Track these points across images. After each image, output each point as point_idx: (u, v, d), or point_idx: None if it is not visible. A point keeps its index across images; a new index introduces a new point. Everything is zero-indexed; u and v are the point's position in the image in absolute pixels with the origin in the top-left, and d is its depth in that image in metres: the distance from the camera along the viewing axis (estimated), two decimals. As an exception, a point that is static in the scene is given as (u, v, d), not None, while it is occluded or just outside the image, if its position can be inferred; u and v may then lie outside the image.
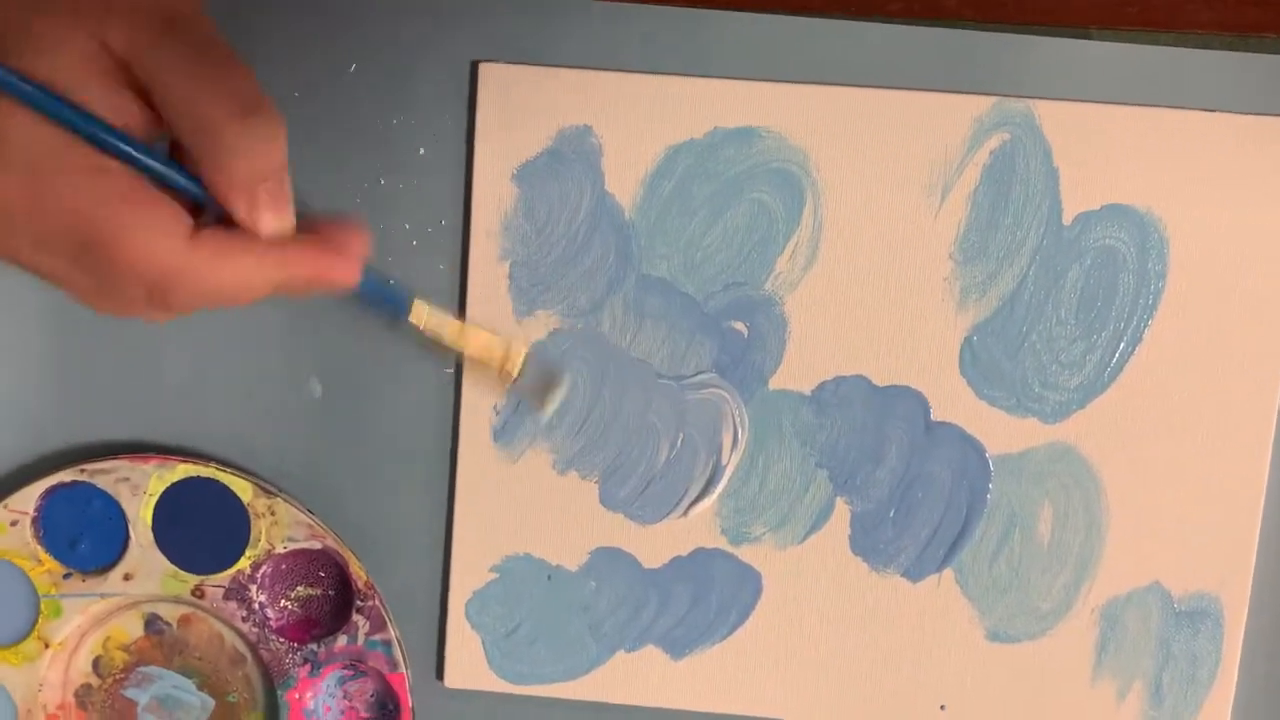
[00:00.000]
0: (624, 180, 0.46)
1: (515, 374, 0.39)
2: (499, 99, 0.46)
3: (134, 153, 0.31)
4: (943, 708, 0.49)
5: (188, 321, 0.48)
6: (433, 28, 0.46)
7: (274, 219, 0.32)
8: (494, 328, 0.39)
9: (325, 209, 0.46)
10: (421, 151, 0.47)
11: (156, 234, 0.31)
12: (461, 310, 0.47)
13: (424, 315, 0.38)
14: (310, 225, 0.34)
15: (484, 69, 0.46)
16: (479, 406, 0.48)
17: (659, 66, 0.46)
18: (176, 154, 0.32)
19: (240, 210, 0.32)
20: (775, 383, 0.47)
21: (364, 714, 0.50)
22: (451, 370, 0.48)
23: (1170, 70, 0.45)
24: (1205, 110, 0.45)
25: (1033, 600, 0.48)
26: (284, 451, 0.49)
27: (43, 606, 0.49)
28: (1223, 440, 0.47)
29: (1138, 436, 0.47)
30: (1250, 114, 0.45)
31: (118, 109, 0.30)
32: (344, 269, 0.34)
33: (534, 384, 0.40)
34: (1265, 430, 0.46)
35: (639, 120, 0.46)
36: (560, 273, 0.47)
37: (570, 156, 0.46)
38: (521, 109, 0.46)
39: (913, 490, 0.47)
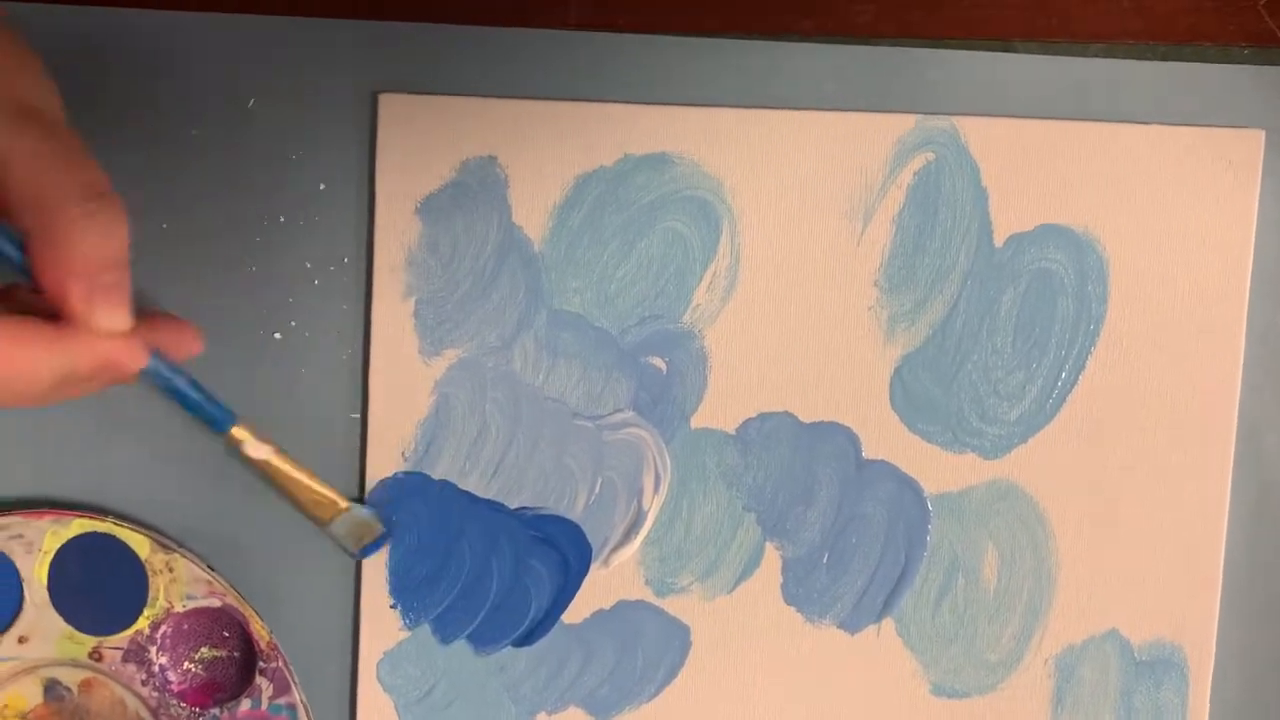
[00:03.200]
0: (532, 211, 0.44)
1: (328, 522, 0.43)
2: (400, 131, 0.44)
3: None
4: (889, 770, 0.45)
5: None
6: (332, 59, 0.44)
7: (109, 313, 0.31)
8: (312, 473, 0.43)
9: (225, 248, 0.45)
10: (322, 187, 0.45)
11: None
12: (366, 350, 0.45)
13: (248, 437, 0.41)
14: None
15: (384, 100, 0.44)
16: (388, 451, 0.45)
17: (566, 93, 0.44)
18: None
19: (75, 298, 0.31)
20: (697, 421, 0.45)
21: (271, 784, 0.47)
22: (358, 415, 0.46)
23: (1100, 82, 0.43)
24: (1138, 123, 0.43)
25: (980, 651, 0.44)
26: (186, 504, 0.46)
27: (-66, 673, 0.47)
28: (1178, 473, 0.44)
29: (1086, 472, 0.44)
30: (1184, 125, 0.43)
31: None
32: (129, 354, 0.33)
33: (349, 531, 0.44)
34: (1223, 460, 0.43)
35: (546, 149, 0.44)
36: (468, 309, 0.45)
37: (475, 188, 0.44)
38: (424, 140, 0.44)
39: (846, 534, 0.44)
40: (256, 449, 0.41)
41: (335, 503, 0.43)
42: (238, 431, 0.40)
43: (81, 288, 0.31)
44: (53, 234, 0.30)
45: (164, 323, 0.36)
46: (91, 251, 0.31)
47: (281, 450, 0.42)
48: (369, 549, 0.44)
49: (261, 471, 0.42)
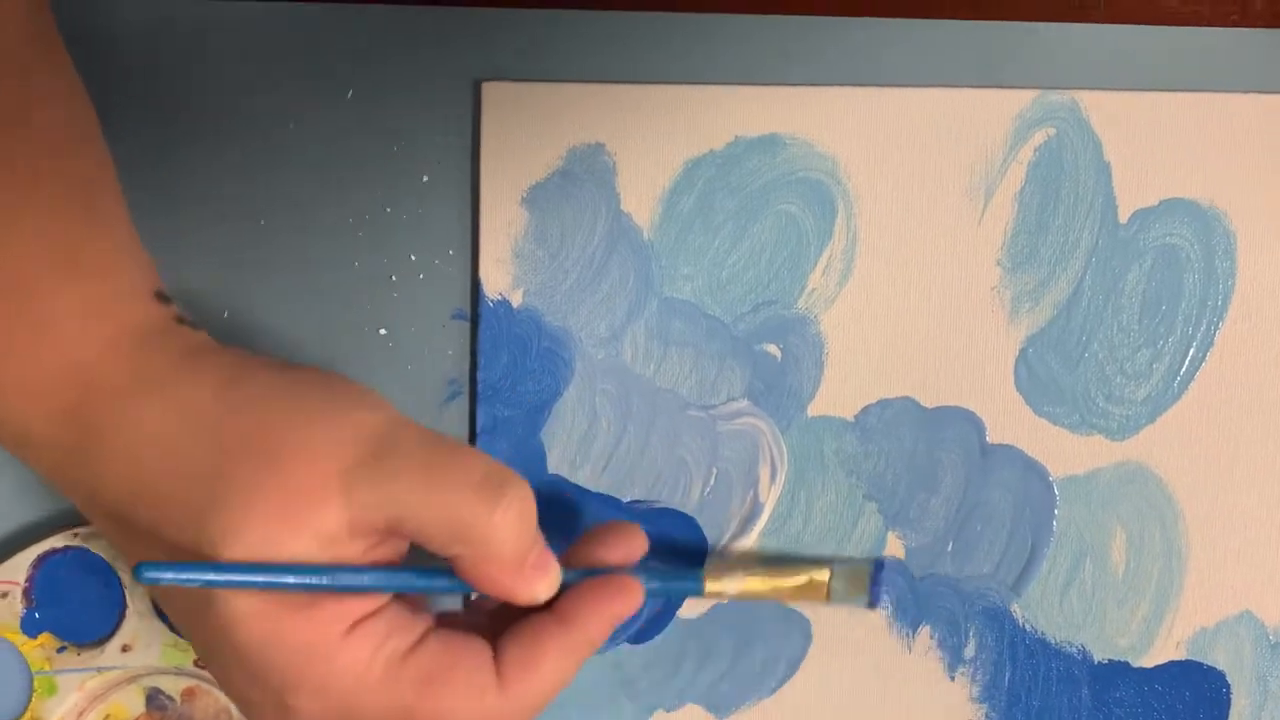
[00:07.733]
0: (641, 198, 0.43)
1: (827, 599, 0.41)
2: (504, 119, 0.43)
3: (401, 582, 0.32)
4: (1017, 761, 0.44)
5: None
6: (433, 47, 0.44)
7: (547, 583, 0.33)
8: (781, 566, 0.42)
9: (327, 243, 0.44)
10: (425, 179, 0.44)
11: (472, 699, 0.32)
12: (474, 343, 0.44)
13: (718, 584, 0.39)
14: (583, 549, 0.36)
15: (487, 88, 0.43)
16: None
17: (673, 76, 0.43)
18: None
19: (520, 594, 0.32)
20: (814, 409, 0.44)
21: (383, 791, 0.46)
22: (467, 409, 0.45)
23: (1225, 51, 0.42)
24: (1263, 92, 0.42)
25: (1110, 636, 0.43)
26: (289, 506, 0.45)
27: (36, 684, 0.46)
28: (1310, 451, 0.43)
29: (1215, 451, 0.43)
30: (1314, 93, 0.42)
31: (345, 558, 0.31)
32: (628, 600, 0.35)
33: (848, 590, 0.41)
34: (1357, 438, 0.42)
35: (654, 134, 0.43)
36: (577, 300, 0.44)
37: (582, 176, 0.43)
38: (528, 128, 0.43)
39: (971, 521, 0.43)
40: (732, 584, 0.40)
41: (815, 580, 0.41)
42: (710, 585, 0.39)
43: (521, 580, 0.32)
44: (474, 550, 0.31)
45: (611, 538, 0.36)
46: (516, 543, 0.31)
47: (749, 569, 0.41)
48: (876, 592, 0.42)
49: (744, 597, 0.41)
